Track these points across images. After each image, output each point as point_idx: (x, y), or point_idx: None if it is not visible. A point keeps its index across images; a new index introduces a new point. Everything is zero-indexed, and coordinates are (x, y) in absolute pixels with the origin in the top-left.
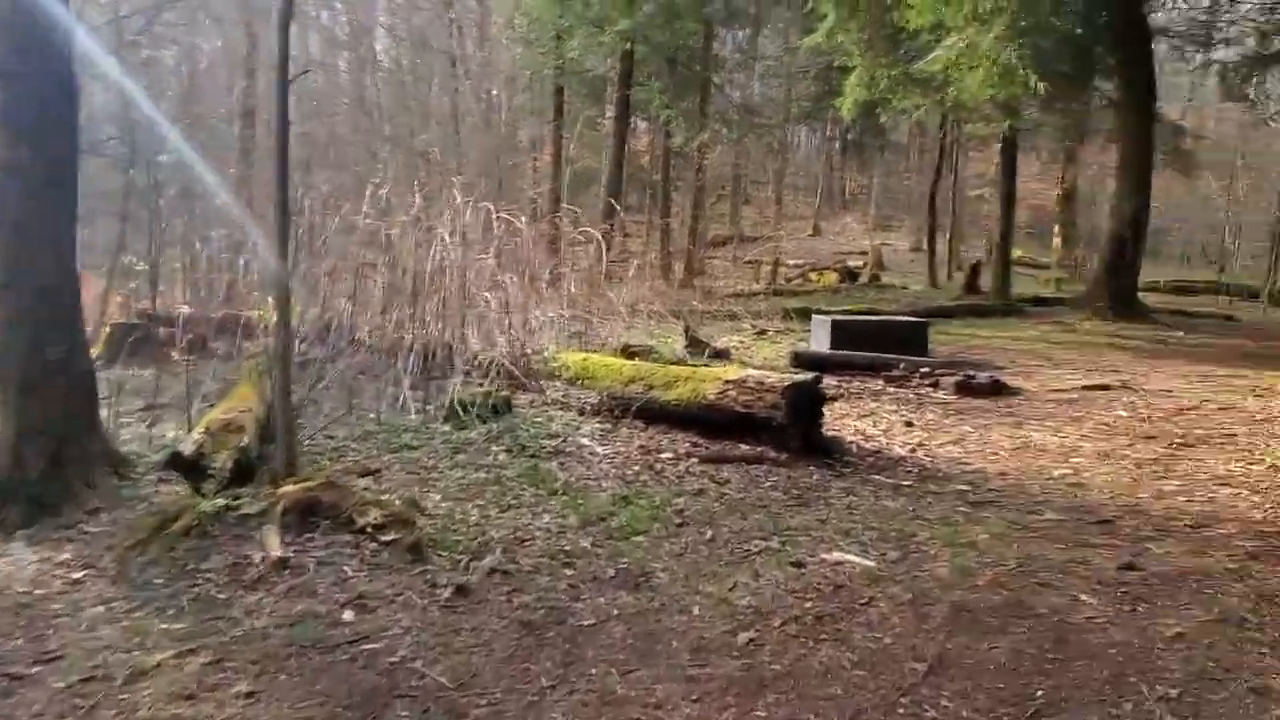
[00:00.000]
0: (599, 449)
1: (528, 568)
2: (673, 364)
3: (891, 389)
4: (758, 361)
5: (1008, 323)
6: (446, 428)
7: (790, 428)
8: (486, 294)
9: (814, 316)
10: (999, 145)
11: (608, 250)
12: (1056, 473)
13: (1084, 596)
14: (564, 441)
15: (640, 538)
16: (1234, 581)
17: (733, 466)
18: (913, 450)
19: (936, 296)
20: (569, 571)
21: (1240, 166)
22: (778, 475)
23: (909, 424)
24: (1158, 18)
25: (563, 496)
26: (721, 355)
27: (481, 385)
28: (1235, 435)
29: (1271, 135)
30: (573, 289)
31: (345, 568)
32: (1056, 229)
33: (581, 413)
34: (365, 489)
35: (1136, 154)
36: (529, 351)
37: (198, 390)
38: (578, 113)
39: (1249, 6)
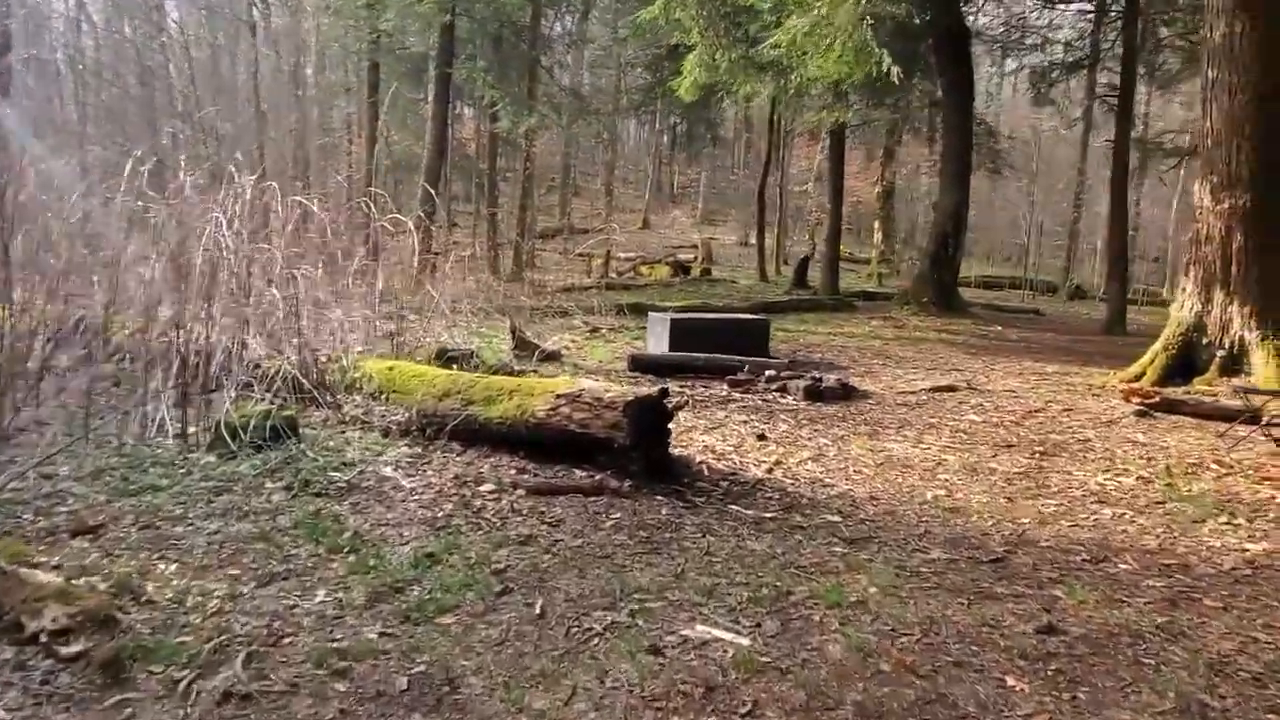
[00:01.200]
0: (405, 482)
1: (281, 684)
2: (496, 371)
3: (738, 395)
4: (592, 364)
5: (839, 317)
6: (211, 458)
7: (633, 450)
8: (274, 289)
9: (651, 314)
10: (825, 141)
11: (429, 240)
12: (929, 494)
13: (1011, 680)
14: (361, 473)
15: (448, 618)
16: (1169, 643)
17: (567, 499)
18: (770, 470)
19: (767, 291)
20: (341, 686)
21: (1038, 169)
22: (621, 510)
23: (762, 437)
24: (975, 20)
25: (349, 556)
26: (552, 358)
27: (265, 400)
28: (1090, 441)
29: (1058, 139)
30: (383, 284)
31: None
32: (876, 224)
33: (386, 434)
34: (58, 566)
35: (957, 151)
36: (324, 358)
37: None
38: (396, 93)
39: (1060, 11)
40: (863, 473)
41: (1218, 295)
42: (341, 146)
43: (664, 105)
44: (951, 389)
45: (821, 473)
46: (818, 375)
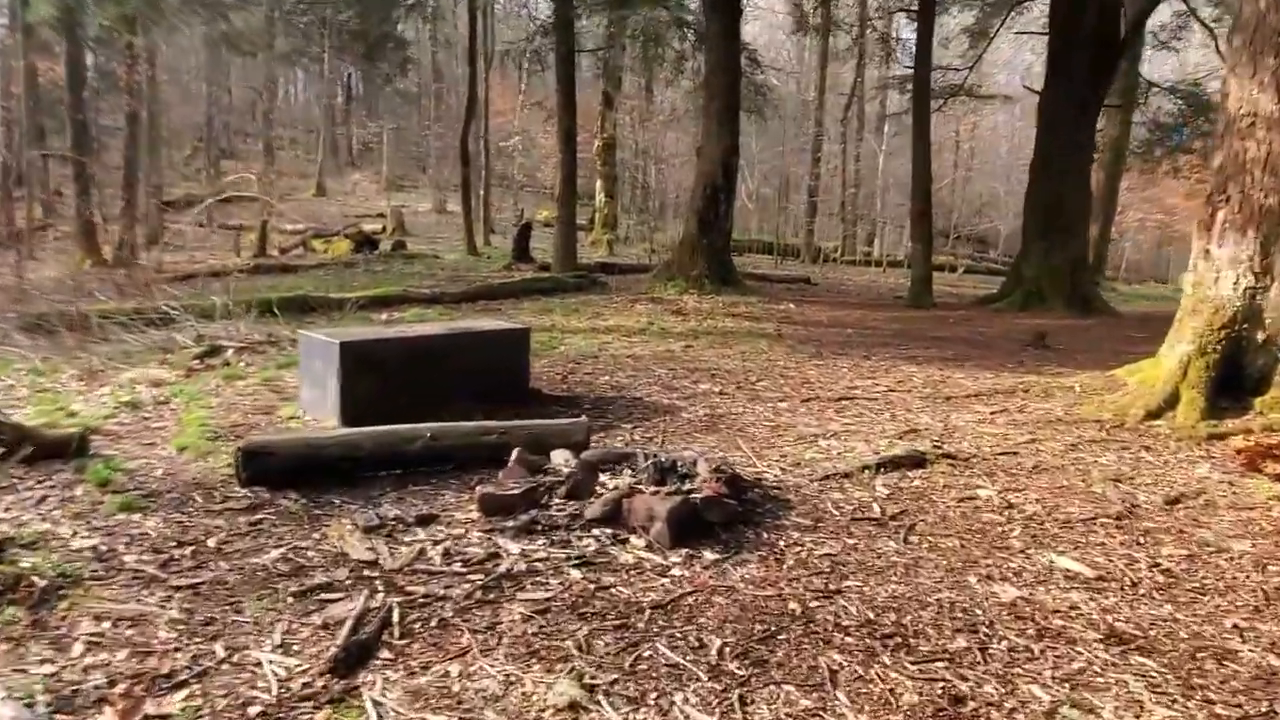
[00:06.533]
0: None
1: None
2: None
3: (511, 544)
4: (158, 463)
5: (594, 303)
6: None
7: None
8: None
9: (304, 338)
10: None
11: None
12: None
13: None
14: None
15: None
16: None
17: None
18: None
19: (481, 267)
20: None
21: (784, 115)
22: None
23: None
24: None
25: None
26: (62, 454)
27: None
28: None
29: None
30: None
31: None
32: (598, 183)
33: None
34: None
35: (724, 84)
36: None
37: None
38: None
39: None
40: None
41: None
42: None
43: (335, 52)
44: (917, 462)
45: None
46: (660, 457)
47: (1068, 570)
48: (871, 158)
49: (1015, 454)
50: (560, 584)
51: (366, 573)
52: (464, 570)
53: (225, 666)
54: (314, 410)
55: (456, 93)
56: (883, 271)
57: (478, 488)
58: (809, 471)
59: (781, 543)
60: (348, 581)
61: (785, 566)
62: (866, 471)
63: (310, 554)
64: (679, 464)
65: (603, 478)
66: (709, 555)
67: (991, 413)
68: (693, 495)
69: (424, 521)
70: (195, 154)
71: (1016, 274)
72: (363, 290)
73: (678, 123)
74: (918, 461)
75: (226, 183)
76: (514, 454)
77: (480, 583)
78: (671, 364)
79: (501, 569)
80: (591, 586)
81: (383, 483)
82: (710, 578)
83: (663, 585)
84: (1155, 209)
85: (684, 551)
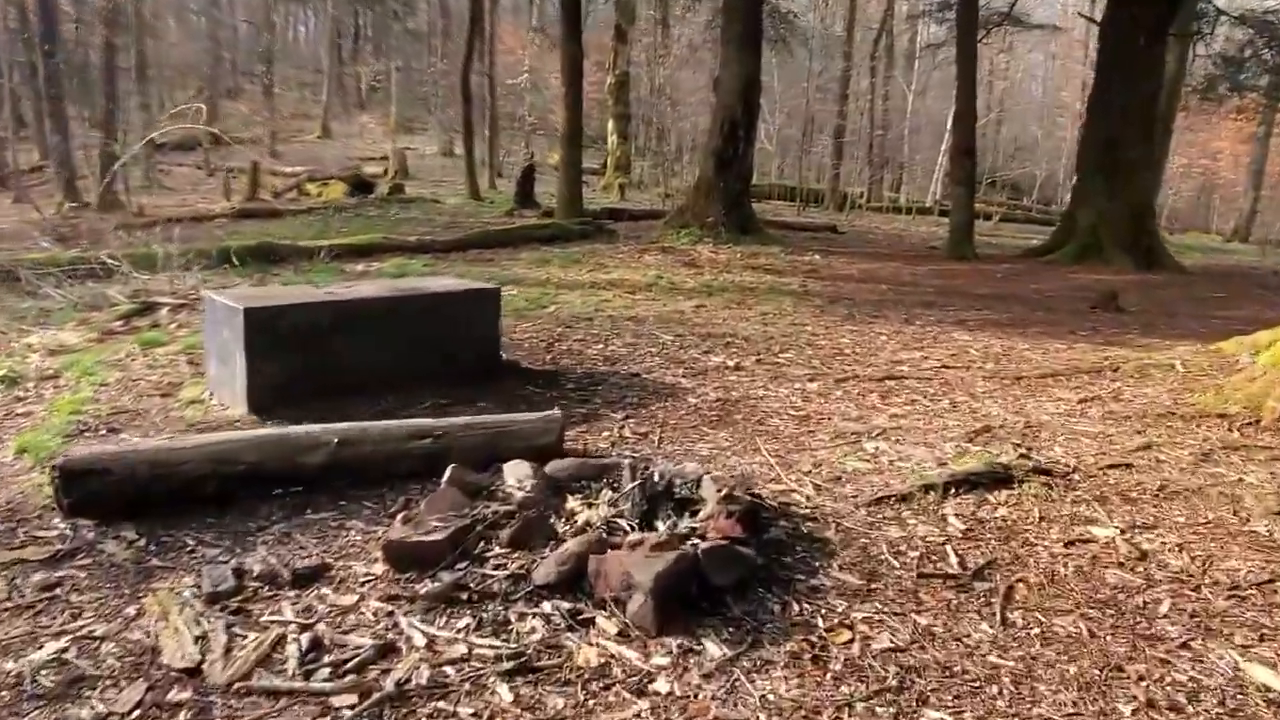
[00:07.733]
0: None
1: None
2: None
3: (419, 629)
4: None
5: (598, 253)
6: None
7: None
8: None
9: (208, 301)
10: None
11: None
12: None
13: None
14: None
15: None
16: None
17: None
18: None
19: (482, 213)
20: None
21: (812, 50)
22: None
23: None
24: None
25: None
26: None
27: None
28: None
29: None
30: None
31: None
32: (610, 124)
33: None
34: None
35: (746, 7)
36: None
37: None
38: None
39: None
40: None
41: None
42: None
43: None
44: (1000, 480)
45: None
46: (654, 475)
47: (1268, 690)
48: (900, 98)
49: (1129, 466)
50: (475, 714)
51: (174, 693)
52: (330, 686)
53: None
54: (221, 392)
55: (466, 31)
56: (912, 219)
57: (395, 520)
58: (853, 491)
59: (820, 623)
60: (135, 715)
61: (829, 675)
62: (931, 493)
63: (103, 650)
64: (676, 484)
65: (572, 503)
66: (713, 650)
67: (1080, 401)
68: (693, 542)
69: (304, 580)
70: (199, 94)
71: (1070, 222)
72: (343, 238)
73: (694, 55)
74: (1001, 479)
75: (171, 115)
76: (448, 473)
77: (349, 714)
78: (679, 328)
79: (390, 683)
80: (526, 719)
81: (271, 506)
82: (713, 698)
83: (639, 715)
84: (1200, 154)
85: (675, 643)
